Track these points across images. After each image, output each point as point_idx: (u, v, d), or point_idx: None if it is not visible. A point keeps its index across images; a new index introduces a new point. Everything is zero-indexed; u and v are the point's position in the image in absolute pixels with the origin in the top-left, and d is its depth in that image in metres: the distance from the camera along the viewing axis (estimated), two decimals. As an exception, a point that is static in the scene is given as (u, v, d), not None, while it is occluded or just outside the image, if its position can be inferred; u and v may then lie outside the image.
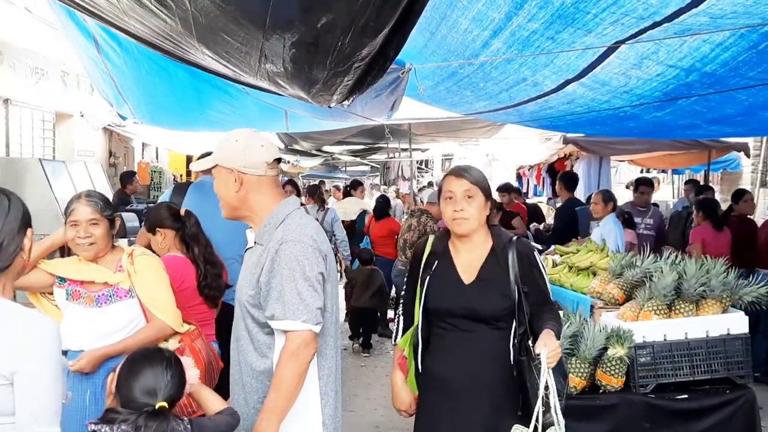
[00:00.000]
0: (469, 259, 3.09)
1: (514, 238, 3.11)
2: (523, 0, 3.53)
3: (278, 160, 2.69)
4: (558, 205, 10.09)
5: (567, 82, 4.75)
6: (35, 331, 1.89)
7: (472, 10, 3.87)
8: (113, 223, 3.34)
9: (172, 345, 3.31)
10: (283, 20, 2.65)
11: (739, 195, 8.33)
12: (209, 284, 3.92)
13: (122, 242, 6.64)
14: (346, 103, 4.44)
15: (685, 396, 3.93)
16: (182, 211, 4.04)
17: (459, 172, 3.10)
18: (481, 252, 3.09)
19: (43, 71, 9.53)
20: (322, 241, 2.63)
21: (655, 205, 10.00)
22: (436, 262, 3.13)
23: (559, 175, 10.06)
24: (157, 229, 4.04)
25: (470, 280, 3.05)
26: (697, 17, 3.23)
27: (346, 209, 10.62)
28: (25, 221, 2.02)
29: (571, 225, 8.44)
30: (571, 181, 9.31)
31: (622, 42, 3.77)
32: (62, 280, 3.33)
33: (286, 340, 2.47)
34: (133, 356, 2.39)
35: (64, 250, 4.03)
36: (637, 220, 8.40)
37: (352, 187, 11.30)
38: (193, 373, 2.42)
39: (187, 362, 2.43)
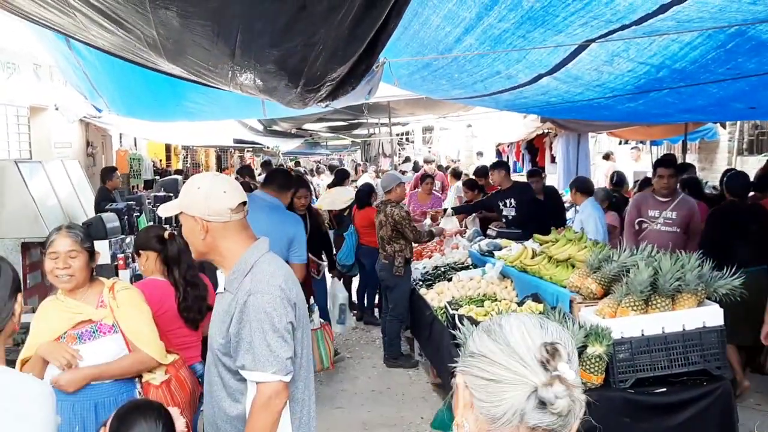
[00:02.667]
0: None
1: None
2: (492, 3, 3.53)
3: (244, 204, 2.67)
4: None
5: (540, 76, 4.76)
6: (31, 396, 1.92)
7: (443, 9, 3.88)
8: (92, 255, 3.33)
9: (159, 377, 3.34)
10: (251, 51, 2.64)
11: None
12: (189, 306, 3.92)
13: (102, 244, 6.67)
14: (321, 105, 4.45)
15: (664, 389, 4.00)
16: (167, 234, 4.03)
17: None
18: None
19: (15, 65, 9.39)
20: (291, 288, 2.62)
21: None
22: None
23: (495, 163, 9.48)
24: (141, 251, 4.05)
25: None
26: (665, 21, 3.25)
27: (334, 199, 10.55)
28: (16, 287, 2.03)
29: (536, 214, 8.11)
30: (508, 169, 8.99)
31: (592, 41, 3.79)
32: None
33: (257, 391, 2.49)
34: (123, 408, 2.42)
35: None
36: (653, 213, 6.43)
37: (339, 180, 11.23)
38: (180, 423, 2.45)
39: (175, 412, 2.45)
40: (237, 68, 2.94)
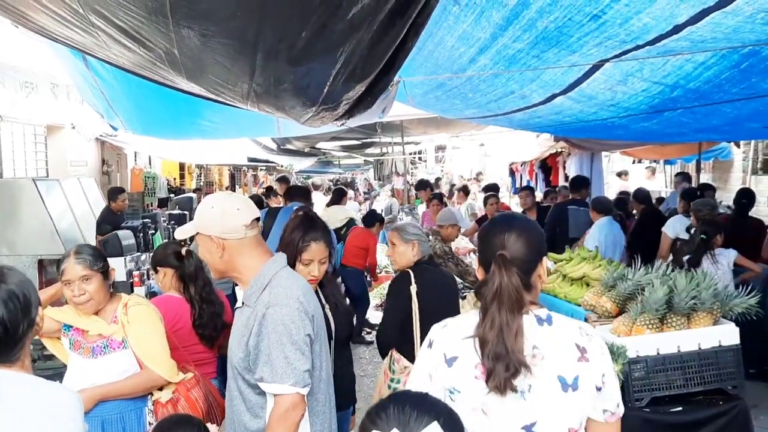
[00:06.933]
0: None
1: None
2: (507, 24, 3.56)
3: (257, 219, 2.71)
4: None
5: (554, 96, 4.79)
6: (60, 404, 1.98)
7: (458, 29, 3.91)
8: (107, 274, 3.35)
9: (165, 395, 3.32)
10: (270, 70, 2.68)
11: None
12: (204, 323, 3.93)
13: (117, 261, 6.72)
14: (337, 123, 4.49)
15: (680, 408, 3.98)
16: (184, 251, 4.07)
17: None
18: None
19: (33, 85, 9.46)
20: (309, 301, 2.65)
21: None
22: None
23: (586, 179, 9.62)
24: (158, 267, 4.09)
25: None
26: (679, 42, 3.28)
27: (330, 217, 10.60)
28: (36, 302, 2.08)
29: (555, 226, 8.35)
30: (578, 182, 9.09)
31: (606, 60, 3.82)
32: (68, 328, 3.35)
33: (275, 403, 2.52)
34: (164, 422, 2.46)
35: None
36: None
37: (337, 198, 11.35)
38: None
39: (213, 429, 2.48)
40: (256, 86, 2.98)
